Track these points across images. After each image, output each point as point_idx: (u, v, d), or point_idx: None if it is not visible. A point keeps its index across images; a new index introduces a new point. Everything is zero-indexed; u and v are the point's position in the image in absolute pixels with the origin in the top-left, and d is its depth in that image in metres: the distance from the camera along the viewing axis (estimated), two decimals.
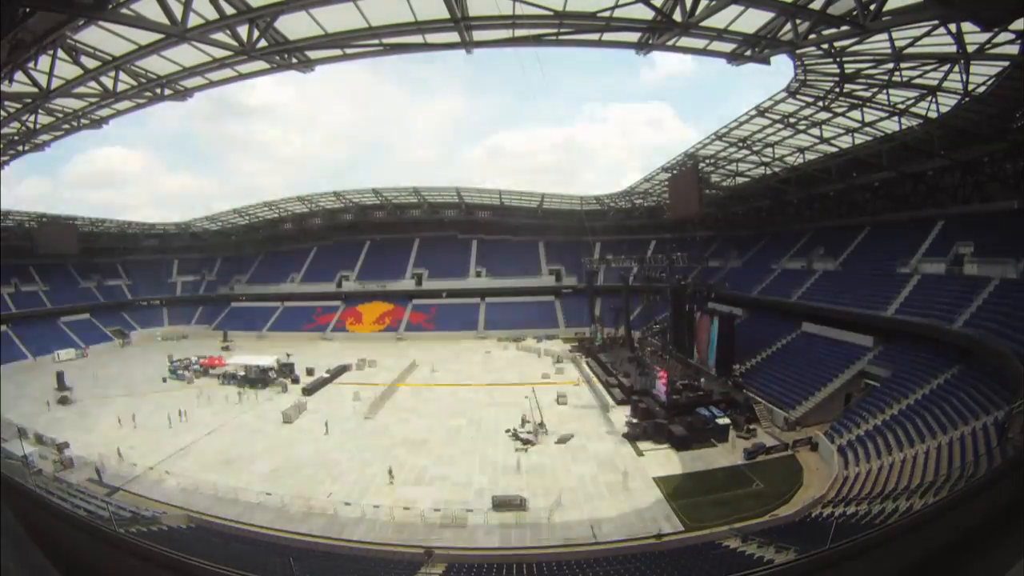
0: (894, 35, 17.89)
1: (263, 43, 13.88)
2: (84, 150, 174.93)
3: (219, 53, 14.95)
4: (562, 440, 27.63)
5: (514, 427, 29.14)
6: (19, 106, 17.64)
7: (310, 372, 43.78)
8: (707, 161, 40.48)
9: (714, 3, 12.52)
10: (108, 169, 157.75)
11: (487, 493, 22.05)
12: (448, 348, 55.88)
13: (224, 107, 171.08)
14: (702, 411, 29.02)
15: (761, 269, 46.41)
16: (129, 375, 46.71)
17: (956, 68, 19.81)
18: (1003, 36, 16.49)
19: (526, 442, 27.36)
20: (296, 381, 41.50)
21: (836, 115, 27.87)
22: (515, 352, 53.72)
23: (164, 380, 43.79)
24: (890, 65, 20.88)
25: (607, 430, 29.32)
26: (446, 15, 13.41)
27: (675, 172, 43.16)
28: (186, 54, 15.49)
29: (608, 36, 14.99)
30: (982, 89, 21.75)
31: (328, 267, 74.70)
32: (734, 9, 13.38)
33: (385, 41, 14.93)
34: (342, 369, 45.62)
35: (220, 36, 13.32)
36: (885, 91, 23.89)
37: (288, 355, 48.06)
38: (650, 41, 14.51)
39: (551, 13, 13.47)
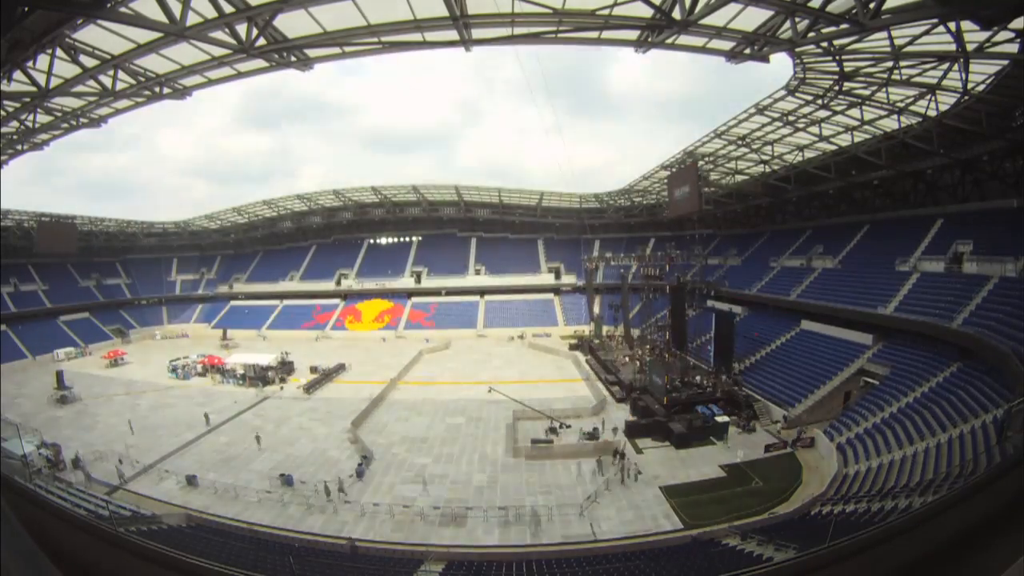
0: (893, 33, 17.90)
1: (262, 41, 13.87)
2: None
3: (218, 51, 14.94)
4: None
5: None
6: (18, 105, 17.62)
7: (313, 370, 43.80)
8: (706, 159, 40.50)
9: (713, 1, 12.52)
10: None
11: (486, 491, 22.13)
12: (448, 346, 56.01)
13: None
14: (701, 409, 29.06)
15: (760, 267, 46.45)
16: (129, 374, 46.77)
17: (955, 66, 19.82)
18: (1003, 35, 16.50)
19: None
20: (295, 380, 41.48)
21: (835, 113, 27.88)
22: (515, 350, 53.73)
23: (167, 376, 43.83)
24: (889, 63, 20.89)
25: (606, 427, 29.31)
26: (445, 13, 13.41)
27: (674, 170, 43.15)
28: (185, 52, 15.50)
29: (607, 34, 15.02)
30: (981, 87, 21.77)
31: (327, 265, 74.72)
32: (733, 7, 13.41)
33: (384, 39, 14.93)
34: (341, 367, 45.64)
35: (219, 34, 13.32)
36: (884, 89, 23.90)
37: (287, 353, 48.06)
38: (649, 39, 14.52)
39: (550, 11, 13.48)
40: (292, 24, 13.97)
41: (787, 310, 38.40)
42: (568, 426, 28.31)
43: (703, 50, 16.10)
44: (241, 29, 13.33)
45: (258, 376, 41.60)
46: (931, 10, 13.03)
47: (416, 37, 14.93)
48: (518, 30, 14.53)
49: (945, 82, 21.98)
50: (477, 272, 70.62)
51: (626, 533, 18.81)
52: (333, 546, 18.32)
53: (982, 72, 20.56)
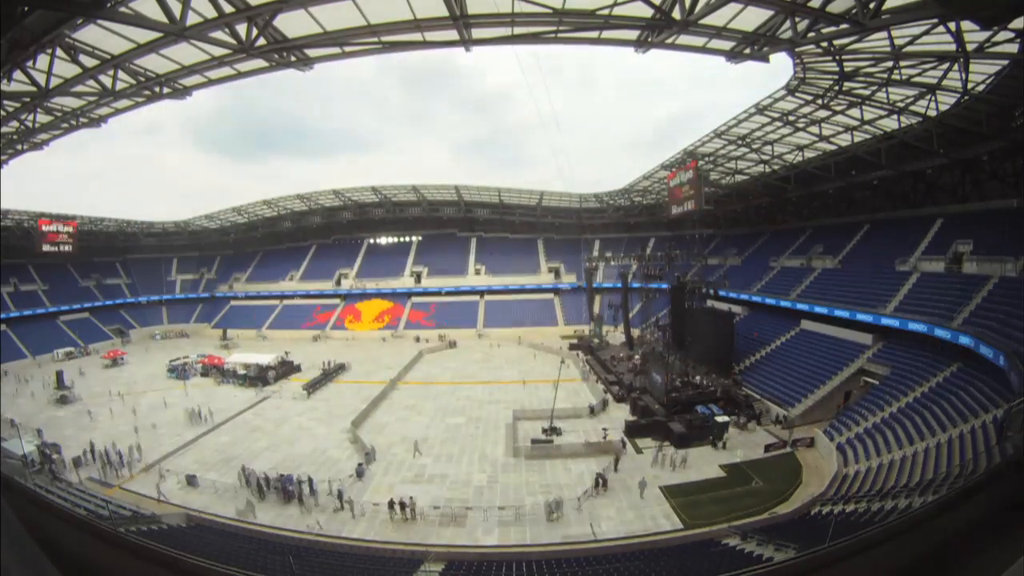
0: (893, 33, 17.91)
1: (262, 41, 13.87)
2: None
3: (218, 51, 14.93)
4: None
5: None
6: (18, 105, 17.61)
7: (312, 370, 43.77)
8: (706, 159, 40.51)
9: (713, 1, 12.53)
10: None
11: (486, 491, 22.14)
12: (447, 346, 55.98)
13: None
14: (701, 409, 29.05)
15: (760, 267, 46.46)
16: (129, 373, 46.78)
17: (955, 66, 19.82)
18: (1003, 35, 16.51)
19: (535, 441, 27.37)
20: (295, 379, 41.51)
21: (835, 113, 27.89)
22: (514, 349, 53.73)
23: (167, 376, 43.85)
24: (889, 63, 20.90)
25: (606, 427, 29.32)
26: (445, 13, 13.41)
27: (674, 170, 43.09)
28: (185, 52, 15.49)
29: (607, 34, 15.01)
30: (981, 87, 21.77)
31: (327, 265, 74.77)
32: (733, 7, 13.41)
33: (384, 39, 14.92)
34: (341, 367, 45.66)
35: (219, 34, 13.31)
36: (884, 89, 23.91)
37: (287, 353, 48.07)
38: (649, 39, 14.52)
39: (550, 11, 13.48)
40: (292, 24, 13.96)
41: (787, 310, 38.34)
42: (559, 431, 28.26)
43: (703, 50, 16.09)
44: (241, 29, 13.32)
45: (258, 376, 41.61)
46: (931, 10, 13.01)
47: (416, 37, 14.92)
48: (518, 30, 14.53)
49: (945, 82, 21.98)
50: (477, 272, 70.61)
51: (626, 533, 18.81)
52: (333, 546, 18.34)
53: (982, 72, 20.55)
